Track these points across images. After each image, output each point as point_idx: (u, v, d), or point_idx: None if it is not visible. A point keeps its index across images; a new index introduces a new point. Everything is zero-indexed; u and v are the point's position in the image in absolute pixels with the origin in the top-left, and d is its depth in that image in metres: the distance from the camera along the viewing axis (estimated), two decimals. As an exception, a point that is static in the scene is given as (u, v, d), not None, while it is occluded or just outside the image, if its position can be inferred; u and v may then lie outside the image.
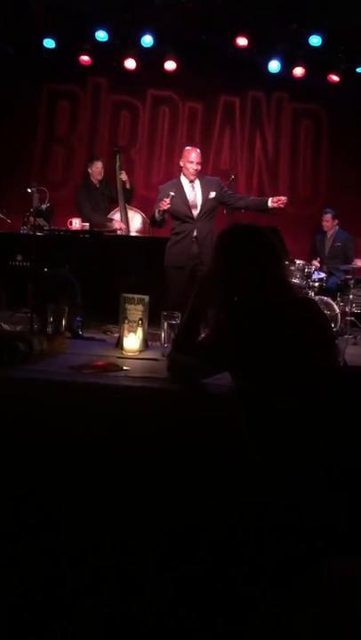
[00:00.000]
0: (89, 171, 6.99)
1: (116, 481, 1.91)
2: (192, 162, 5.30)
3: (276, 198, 5.30)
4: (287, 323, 1.87)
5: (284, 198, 5.28)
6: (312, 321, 1.92)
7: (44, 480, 1.93)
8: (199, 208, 5.30)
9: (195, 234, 5.29)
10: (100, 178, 6.94)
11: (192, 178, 5.32)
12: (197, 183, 5.35)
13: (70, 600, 1.87)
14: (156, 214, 5.26)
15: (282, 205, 5.25)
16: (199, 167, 5.36)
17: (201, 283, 2.10)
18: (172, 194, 5.15)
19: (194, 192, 5.34)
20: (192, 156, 5.31)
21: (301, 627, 1.42)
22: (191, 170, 5.29)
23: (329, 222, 7.36)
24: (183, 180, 5.35)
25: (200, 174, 5.40)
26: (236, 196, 5.54)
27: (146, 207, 7.34)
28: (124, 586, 1.89)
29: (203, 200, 5.31)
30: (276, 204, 5.26)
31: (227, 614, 1.77)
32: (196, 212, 5.30)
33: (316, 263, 6.67)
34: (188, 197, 5.31)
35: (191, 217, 5.30)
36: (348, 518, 1.70)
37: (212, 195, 5.31)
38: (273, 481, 1.75)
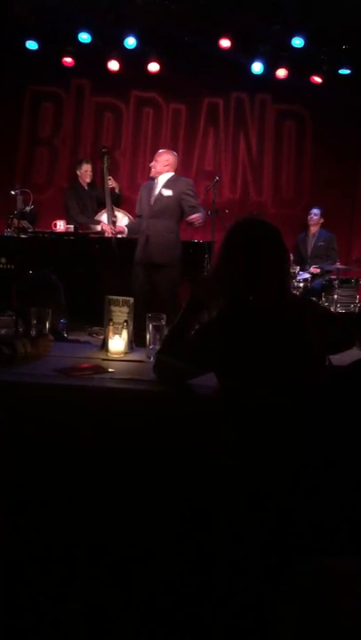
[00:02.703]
0: (77, 173, 6.99)
1: (101, 482, 1.90)
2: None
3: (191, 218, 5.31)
4: (281, 323, 1.87)
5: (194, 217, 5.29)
6: (306, 322, 1.93)
7: (29, 481, 1.91)
8: (152, 204, 5.38)
9: (147, 232, 5.37)
10: (88, 180, 6.95)
11: (151, 173, 5.51)
12: (162, 181, 5.40)
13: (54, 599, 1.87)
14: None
15: (193, 221, 5.30)
16: (153, 163, 5.51)
17: (197, 287, 2.09)
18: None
19: (155, 188, 5.43)
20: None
21: (286, 624, 1.42)
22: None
23: (317, 217, 7.37)
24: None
25: (177, 176, 5.51)
26: (192, 207, 5.34)
27: (131, 209, 7.33)
28: (108, 585, 1.88)
29: (157, 196, 5.37)
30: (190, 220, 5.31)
31: (214, 610, 1.77)
32: (149, 209, 5.39)
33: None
34: (150, 194, 5.44)
35: (147, 213, 5.40)
36: (333, 516, 1.71)
37: (167, 192, 5.33)
38: (258, 479, 1.75)
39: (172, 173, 5.47)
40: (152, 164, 5.51)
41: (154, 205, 5.36)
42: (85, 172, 6.95)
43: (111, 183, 6.83)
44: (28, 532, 1.92)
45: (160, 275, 5.32)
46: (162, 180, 5.40)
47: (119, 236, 5.98)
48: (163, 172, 5.41)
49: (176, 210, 5.34)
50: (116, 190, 6.96)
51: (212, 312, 1.96)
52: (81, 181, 6.96)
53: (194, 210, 5.33)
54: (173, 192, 5.31)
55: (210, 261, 6.32)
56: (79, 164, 7.06)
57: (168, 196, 5.32)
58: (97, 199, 6.97)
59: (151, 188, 5.44)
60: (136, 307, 2.51)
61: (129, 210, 7.03)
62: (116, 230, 5.64)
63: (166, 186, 5.36)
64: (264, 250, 1.89)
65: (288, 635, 1.41)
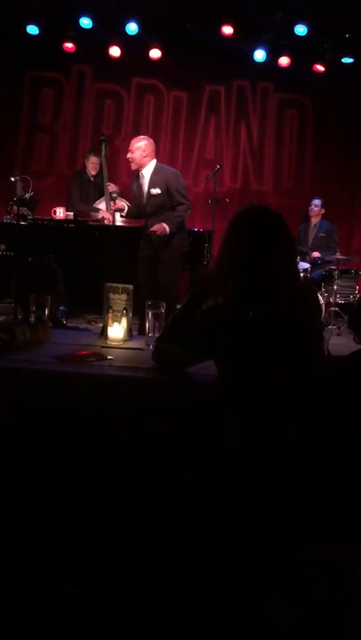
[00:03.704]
0: (85, 163, 6.98)
1: (100, 469, 1.90)
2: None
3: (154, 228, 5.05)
4: (284, 312, 1.86)
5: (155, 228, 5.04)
6: (310, 311, 1.92)
7: (27, 468, 1.91)
8: (145, 202, 5.17)
9: (148, 229, 5.15)
10: (94, 173, 6.93)
11: (132, 167, 5.17)
12: (147, 175, 5.11)
13: (50, 586, 1.87)
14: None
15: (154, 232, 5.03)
16: (130, 155, 5.10)
17: (202, 279, 2.09)
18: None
19: (143, 185, 5.15)
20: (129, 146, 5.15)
21: (282, 612, 1.42)
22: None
23: (318, 208, 7.34)
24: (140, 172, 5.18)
25: (158, 164, 5.19)
26: (178, 204, 5.09)
27: (130, 196, 7.34)
28: (106, 572, 1.89)
29: (147, 196, 5.14)
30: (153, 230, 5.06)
31: (208, 599, 1.78)
32: (143, 207, 5.19)
33: None
34: (142, 191, 5.16)
35: (143, 211, 5.20)
36: (330, 505, 1.71)
37: (155, 191, 5.06)
38: (256, 468, 1.75)
39: (154, 161, 5.15)
40: (128, 155, 5.12)
41: (147, 205, 5.15)
42: (91, 165, 6.93)
43: (111, 188, 6.81)
44: (24, 519, 1.92)
45: (162, 268, 5.18)
46: (147, 174, 5.10)
47: (118, 214, 5.71)
48: (144, 163, 5.08)
49: (171, 204, 5.11)
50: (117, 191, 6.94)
51: (215, 300, 1.95)
52: (88, 171, 6.95)
53: (179, 207, 5.08)
54: (161, 188, 5.05)
55: (210, 250, 6.30)
56: (88, 154, 7.05)
57: (157, 194, 5.07)
58: (101, 189, 6.95)
59: (140, 183, 5.18)
60: (141, 300, 2.49)
61: (128, 198, 7.00)
62: (116, 207, 5.41)
63: (152, 183, 5.08)
64: (267, 237, 1.87)
65: (285, 625, 1.41)
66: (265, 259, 1.85)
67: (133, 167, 5.15)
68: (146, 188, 5.12)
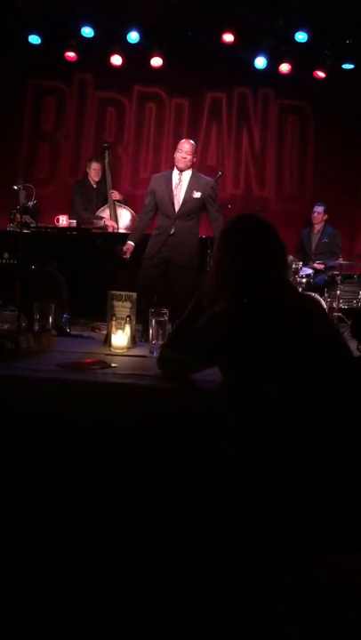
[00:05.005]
0: (87, 170, 7.02)
1: (104, 477, 1.90)
2: (179, 150, 5.25)
3: None
4: (287, 316, 1.87)
5: None
6: (315, 315, 1.93)
7: (31, 477, 1.92)
8: (179, 205, 5.24)
9: (172, 231, 5.22)
10: (96, 179, 6.96)
11: (180, 166, 5.24)
12: (186, 178, 5.26)
13: (57, 587, 1.87)
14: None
15: None
16: (188, 157, 5.24)
17: (204, 285, 2.10)
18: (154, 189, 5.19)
19: (180, 186, 5.26)
20: (182, 147, 5.27)
21: (286, 619, 1.42)
22: (178, 157, 5.25)
23: (320, 215, 7.34)
24: (174, 173, 5.30)
25: (195, 171, 5.37)
26: (214, 210, 5.30)
27: (133, 204, 7.37)
28: (113, 575, 1.89)
29: (185, 197, 5.23)
30: None
31: (212, 605, 1.78)
32: (176, 209, 5.24)
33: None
34: (173, 192, 5.25)
35: (172, 213, 5.24)
36: (334, 511, 1.71)
37: (197, 195, 5.21)
38: (261, 474, 1.75)
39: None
40: (182, 155, 5.22)
41: (182, 207, 5.21)
42: (93, 171, 6.96)
43: (115, 196, 6.83)
44: (28, 530, 1.92)
45: (180, 275, 5.21)
46: (186, 177, 5.24)
47: (122, 230, 5.83)
48: (190, 165, 5.26)
49: (201, 211, 5.26)
50: (120, 199, 6.99)
51: (218, 307, 1.96)
52: (90, 178, 6.97)
53: (216, 221, 5.21)
54: (201, 194, 5.21)
55: (211, 257, 6.32)
56: (89, 162, 7.08)
57: (197, 199, 5.21)
58: (104, 197, 6.97)
59: (169, 182, 5.26)
60: (140, 302, 2.51)
61: (132, 205, 7.03)
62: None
63: (194, 187, 5.22)
64: (258, 244, 1.90)
65: (288, 631, 1.41)
66: (257, 264, 1.88)
67: (182, 165, 5.24)
68: (185, 189, 5.23)
